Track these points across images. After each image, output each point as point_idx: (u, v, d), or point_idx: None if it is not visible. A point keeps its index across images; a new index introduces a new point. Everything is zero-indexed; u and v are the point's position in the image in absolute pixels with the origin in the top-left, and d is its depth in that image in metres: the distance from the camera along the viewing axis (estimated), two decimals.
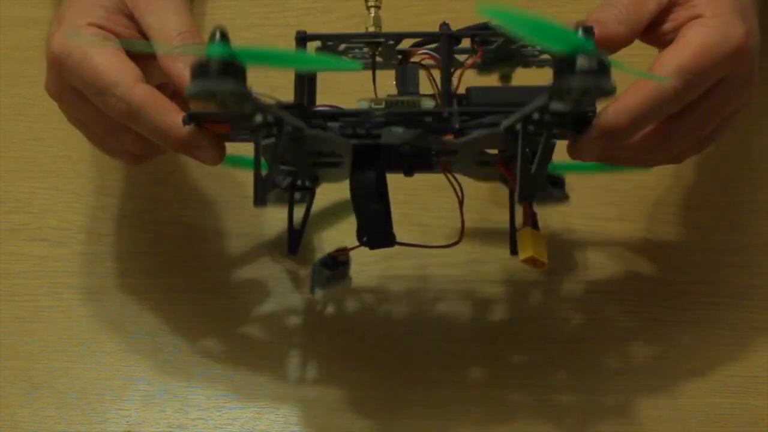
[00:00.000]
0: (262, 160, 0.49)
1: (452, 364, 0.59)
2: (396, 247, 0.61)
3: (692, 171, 0.65)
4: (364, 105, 0.50)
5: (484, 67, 0.55)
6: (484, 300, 0.61)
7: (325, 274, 0.58)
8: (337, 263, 0.58)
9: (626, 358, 0.60)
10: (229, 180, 0.64)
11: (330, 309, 0.61)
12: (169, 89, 0.53)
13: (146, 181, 0.64)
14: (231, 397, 0.58)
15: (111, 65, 0.51)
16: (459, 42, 0.53)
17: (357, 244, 0.53)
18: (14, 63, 0.67)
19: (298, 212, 0.60)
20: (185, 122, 0.50)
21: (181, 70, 0.51)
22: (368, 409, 0.58)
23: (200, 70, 0.43)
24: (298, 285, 0.61)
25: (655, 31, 0.53)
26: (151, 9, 0.53)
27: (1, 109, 0.66)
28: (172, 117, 0.51)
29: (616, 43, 0.51)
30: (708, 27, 0.51)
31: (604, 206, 0.64)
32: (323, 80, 0.53)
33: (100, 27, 0.53)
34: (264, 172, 0.49)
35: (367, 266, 0.62)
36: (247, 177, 0.63)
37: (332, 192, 0.60)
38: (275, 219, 0.63)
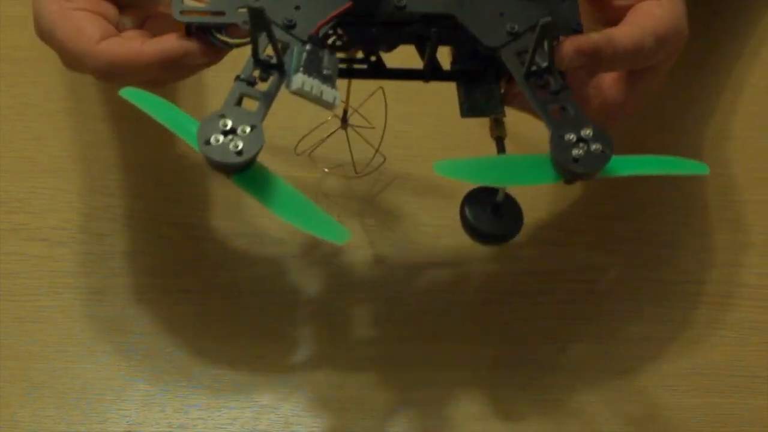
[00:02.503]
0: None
1: (451, 364, 0.59)
2: (397, 247, 0.62)
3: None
4: None
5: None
6: (483, 300, 0.61)
7: (303, 51, 0.49)
8: (322, 44, 0.51)
9: (626, 358, 0.60)
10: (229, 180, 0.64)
11: (330, 309, 0.61)
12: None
13: (147, 181, 0.64)
14: (231, 397, 0.58)
15: (70, 39, 0.52)
16: None
17: None
18: (14, 63, 0.67)
19: None
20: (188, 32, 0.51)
21: None
22: (368, 409, 0.58)
23: None
24: (299, 285, 0.61)
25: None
26: None
27: (1, 109, 0.66)
28: (147, 55, 0.51)
29: None
30: (666, 9, 0.55)
31: (603, 206, 0.64)
32: None
33: None
34: None
35: (367, 266, 0.62)
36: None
37: None
38: (276, 219, 0.63)
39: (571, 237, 0.63)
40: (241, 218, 0.63)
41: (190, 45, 0.52)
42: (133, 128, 0.65)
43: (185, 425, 0.57)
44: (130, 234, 0.62)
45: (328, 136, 0.60)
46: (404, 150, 0.65)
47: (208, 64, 0.53)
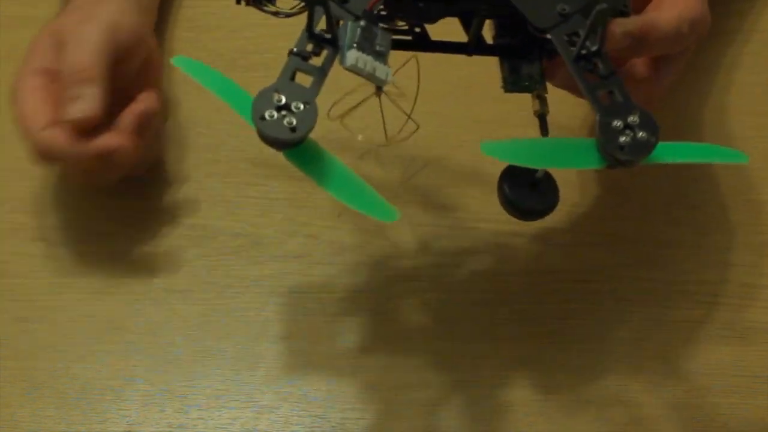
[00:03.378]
0: None
1: (451, 364, 0.59)
2: (397, 247, 0.62)
3: (692, 171, 0.65)
4: None
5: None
6: (483, 300, 0.61)
7: (358, 27, 0.50)
8: (376, 18, 0.51)
9: (626, 358, 0.60)
10: (230, 180, 0.64)
11: (329, 309, 0.61)
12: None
13: (146, 181, 0.64)
14: (231, 397, 0.58)
15: (27, 111, 0.58)
16: None
17: None
18: (14, 63, 0.67)
19: None
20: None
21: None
22: (367, 409, 0.58)
23: None
24: (298, 285, 0.61)
25: None
26: (70, 42, 0.59)
27: (1, 108, 0.66)
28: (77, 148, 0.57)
29: None
30: None
31: (604, 206, 0.64)
32: None
33: (40, 71, 0.59)
34: None
35: (366, 266, 0.62)
36: (245, 175, 0.64)
37: None
38: (276, 219, 0.63)
39: (571, 237, 0.63)
40: (241, 218, 0.63)
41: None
42: None
43: (185, 425, 0.57)
44: (130, 234, 0.62)
45: (361, 103, 0.60)
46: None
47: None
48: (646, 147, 0.49)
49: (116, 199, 0.63)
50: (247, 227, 0.63)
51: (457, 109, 0.66)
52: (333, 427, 0.57)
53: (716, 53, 0.68)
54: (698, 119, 0.67)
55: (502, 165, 0.51)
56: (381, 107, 0.60)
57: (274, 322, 0.60)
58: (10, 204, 0.63)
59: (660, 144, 0.50)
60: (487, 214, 0.62)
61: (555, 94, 0.55)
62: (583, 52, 0.51)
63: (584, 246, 0.63)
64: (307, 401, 0.58)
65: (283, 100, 0.47)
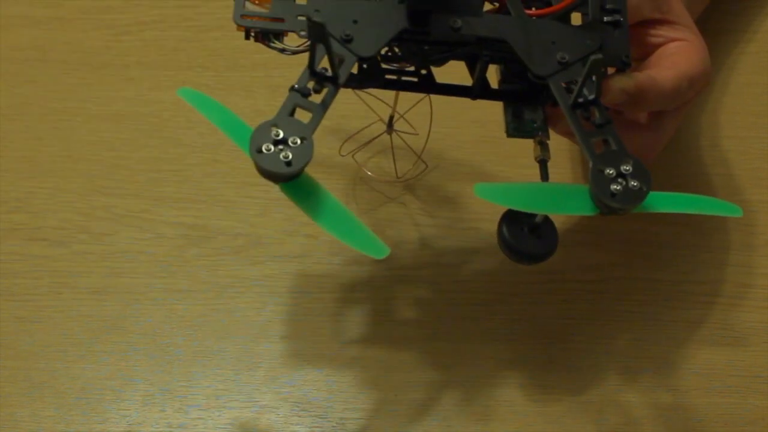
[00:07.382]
0: None
1: (452, 364, 0.59)
2: (397, 247, 0.62)
3: (692, 171, 0.65)
4: None
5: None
6: (483, 300, 0.61)
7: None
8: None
9: (626, 358, 0.60)
10: (230, 180, 0.64)
11: (329, 309, 0.61)
12: None
13: (146, 181, 0.64)
14: (231, 397, 0.58)
15: None
16: None
17: None
18: (14, 63, 0.67)
19: None
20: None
21: None
22: (367, 409, 0.58)
23: None
24: (297, 285, 0.61)
25: (637, 32, 0.57)
26: None
27: (1, 109, 0.66)
28: None
29: None
30: (698, 53, 0.57)
31: None
32: None
33: None
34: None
35: (365, 266, 0.62)
36: (245, 175, 0.64)
37: None
38: (276, 219, 0.63)
39: (571, 237, 0.63)
40: (241, 218, 0.63)
41: None
42: (133, 128, 0.65)
43: (185, 425, 0.57)
44: (130, 234, 0.62)
45: (372, 140, 0.62)
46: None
47: None
48: (638, 196, 0.50)
49: (116, 199, 0.63)
50: (247, 227, 0.63)
51: (456, 110, 0.66)
52: (333, 427, 0.57)
53: (715, 53, 0.68)
54: (695, 119, 0.68)
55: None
56: (392, 145, 0.61)
57: (274, 322, 0.60)
58: (10, 204, 0.63)
59: (653, 193, 0.50)
60: (487, 214, 0.62)
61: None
62: (580, 100, 0.51)
63: (583, 246, 0.63)
64: (307, 401, 0.58)
65: (281, 135, 0.48)
